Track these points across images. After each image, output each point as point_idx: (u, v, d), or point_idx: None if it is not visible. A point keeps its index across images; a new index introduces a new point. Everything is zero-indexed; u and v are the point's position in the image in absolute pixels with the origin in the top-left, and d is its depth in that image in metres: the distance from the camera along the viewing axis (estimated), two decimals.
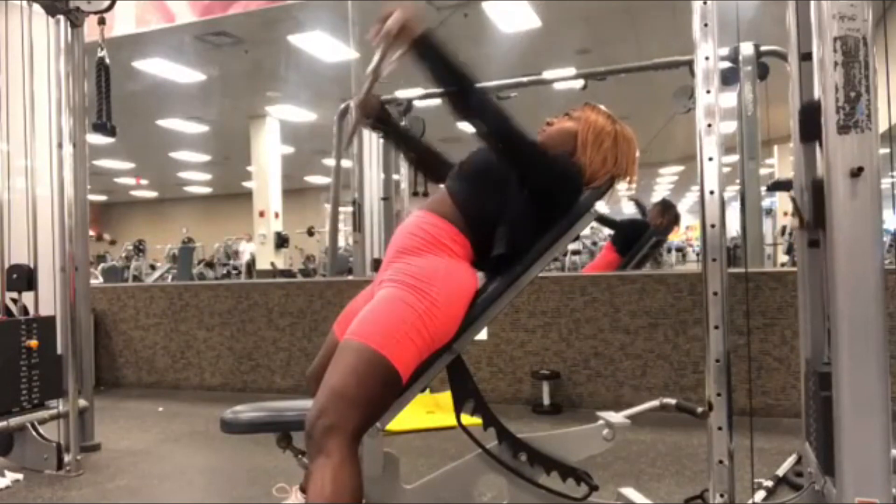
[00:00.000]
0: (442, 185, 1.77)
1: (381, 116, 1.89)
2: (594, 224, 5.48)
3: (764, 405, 3.29)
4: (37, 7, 2.87)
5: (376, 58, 1.51)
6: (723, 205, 1.76)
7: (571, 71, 4.65)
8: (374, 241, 5.03)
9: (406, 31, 1.48)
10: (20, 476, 2.63)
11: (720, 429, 1.72)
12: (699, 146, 1.76)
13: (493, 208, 1.59)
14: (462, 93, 1.55)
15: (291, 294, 4.28)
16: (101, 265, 10.54)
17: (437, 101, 4.28)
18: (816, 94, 1.47)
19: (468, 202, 1.60)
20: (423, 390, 1.59)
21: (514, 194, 1.58)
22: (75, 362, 2.80)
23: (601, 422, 1.69)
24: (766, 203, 7.89)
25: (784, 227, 7.55)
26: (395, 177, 5.32)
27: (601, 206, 1.72)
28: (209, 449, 3.10)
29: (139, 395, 4.40)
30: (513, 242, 1.56)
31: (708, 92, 1.75)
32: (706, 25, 1.76)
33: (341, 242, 7.97)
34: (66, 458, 2.70)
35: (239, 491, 2.48)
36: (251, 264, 10.46)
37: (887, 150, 1.83)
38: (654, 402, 2.03)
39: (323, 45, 7.34)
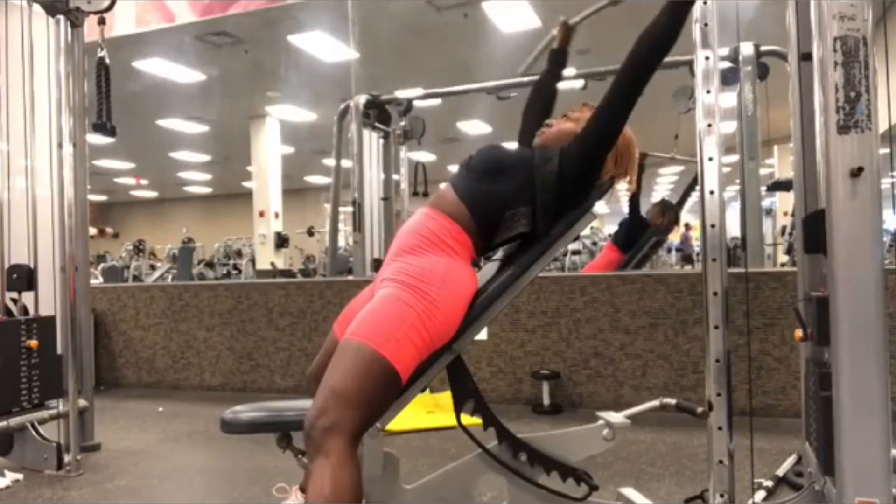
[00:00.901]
0: (443, 185, 1.77)
1: (567, 47, 2.07)
2: (594, 224, 5.48)
3: (764, 405, 3.29)
4: (37, 7, 2.87)
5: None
6: (723, 205, 1.76)
7: (571, 71, 4.64)
8: (374, 241, 5.03)
9: None
10: (20, 476, 2.63)
11: (720, 429, 1.72)
12: (699, 146, 1.76)
13: (503, 200, 1.60)
14: (663, 50, 1.55)
15: (291, 294, 4.28)
16: (101, 265, 10.54)
17: (438, 102, 4.29)
18: (816, 94, 1.47)
19: (474, 195, 1.61)
20: (423, 390, 1.59)
21: (538, 176, 1.59)
22: (75, 362, 2.80)
23: (601, 422, 1.69)
24: (766, 203, 7.88)
25: (784, 227, 7.55)
26: (395, 177, 5.33)
27: (601, 207, 1.72)
28: (209, 449, 3.10)
29: (139, 395, 4.40)
30: (535, 220, 1.58)
31: (708, 92, 1.75)
32: (706, 25, 1.76)
33: (341, 242, 7.97)
34: (66, 458, 2.70)
35: (239, 491, 2.48)
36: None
37: (887, 150, 1.83)
38: (654, 402, 2.03)
39: (323, 45, 7.33)
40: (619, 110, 1.58)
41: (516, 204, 1.59)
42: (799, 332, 1.73)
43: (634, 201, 4.48)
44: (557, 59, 2.05)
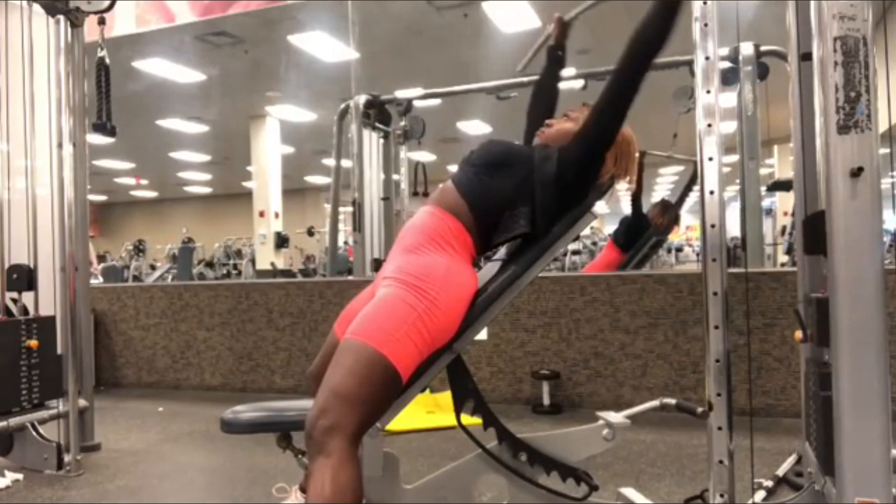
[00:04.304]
0: (442, 184, 1.77)
1: (563, 43, 2.04)
2: (594, 224, 5.48)
3: (764, 405, 3.29)
4: (37, 7, 2.87)
5: None
6: (723, 205, 1.76)
7: (571, 71, 4.64)
8: (374, 241, 5.03)
9: None
10: (20, 476, 2.63)
11: (720, 429, 1.72)
12: (699, 146, 1.76)
13: (504, 196, 1.60)
14: (654, 49, 1.56)
15: (291, 294, 4.28)
16: (102, 265, 10.53)
17: (437, 102, 4.30)
18: (816, 94, 1.47)
19: (474, 190, 1.61)
20: (423, 390, 1.60)
21: (538, 176, 1.60)
22: (75, 362, 2.80)
23: (601, 422, 1.69)
24: (766, 203, 7.88)
25: (784, 227, 7.55)
26: (395, 177, 5.32)
27: (601, 206, 1.72)
28: (209, 449, 3.10)
29: (139, 395, 4.40)
30: (534, 221, 1.59)
31: (708, 92, 1.75)
32: (706, 25, 1.76)
33: (341, 242, 7.97)
34: (66, 458, 2.70)
35: (239, 491, 2.48)
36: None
37: (887, 150, 1.83)
38: (654, 402, 2.03)
39: (323, 45, 7.33)
40: (615, 110, 1.58)
41: (516, 203, 1.59)
42: (799, 334, 1.73)
43: (637, 201, 4.48)
44: (555, 57, 2.04)
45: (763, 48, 3.98)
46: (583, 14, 2.03)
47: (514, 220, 1.59)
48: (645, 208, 4.61)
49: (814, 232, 1.50)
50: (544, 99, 2.03)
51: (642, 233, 4.44)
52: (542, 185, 1.59)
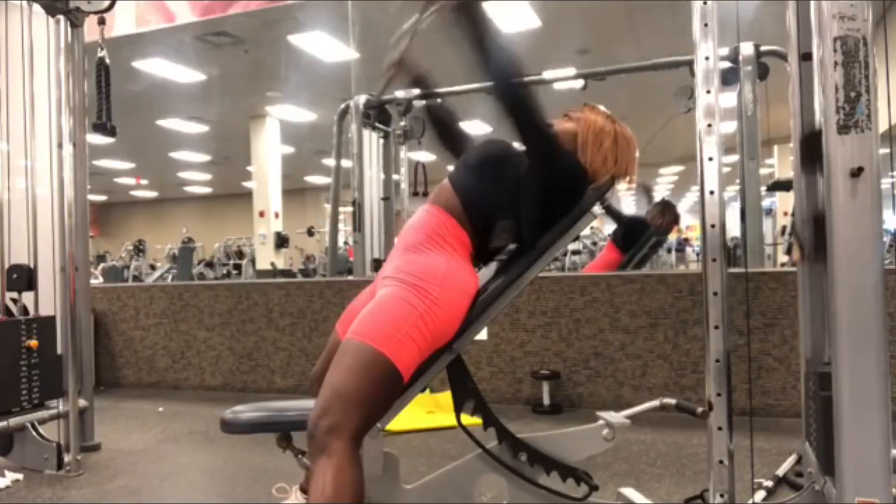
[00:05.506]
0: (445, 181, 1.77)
1: (415, 74, 1.94)
2: (594, 224, 5.48)
3: (764, 405, 3.29)
4: (37, 7, 2.87)
5: (414, 17, 1.55)
6: (723, 205, 1.76)
7: (571, 71, 4.65)
8: (374, 241, 5.03)
9: None
10: (20, 476, 2.63)
11: (720, 429, 1.71)
12: (699, 146, 1.76)
13: (495, 200, 1.60)
14: (488, 68, 1.56)
15: (291, 294, 4.28)
16: (102, 265, 10.54)
17: (437, 102, 4.28)
18: (816, 94, 1.47)
19: (469, 193, 1.62)
20: (423, 390, 1.60)
21: (522, 186, 1.59)
22: (75, 362, 2.80)
23: (601, 422, 1.70)
24: (766, 203, 7.88)
25: (784, 227, 7.55)
26: (395, 177, 5.32)
27: (601, 207, 1.72)
28: (209, 449, 3.10)
29: (139, 395, 4.40)
30: (519, 234, 1.59)
31: (708, 92, 1.75)
32: (706, 25, 1.76)
33: (341, 242, 7.97)
34: (66, 458, 2.70)
35: (239, 491, 2.48)
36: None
37: (887, 150, 1.83)
38: (654, 402, 2.03)
39: (323, 45, 7.33)
40: (526, 129, 1.57)
41: (504, 212, 1.60)
42: (797, 253, 1.73)
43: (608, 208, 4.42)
44: (418, 83, 1.98)
45: (763, 48, 3.98)
46: (413, 35, 1.86)
47: (502, 230, 1.60)
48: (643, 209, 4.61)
49: (811, 147, 1.48)
50: (441, 122, 1.99)
51: (640, 233, 4.44)
52: (526, 200, 1.59)
